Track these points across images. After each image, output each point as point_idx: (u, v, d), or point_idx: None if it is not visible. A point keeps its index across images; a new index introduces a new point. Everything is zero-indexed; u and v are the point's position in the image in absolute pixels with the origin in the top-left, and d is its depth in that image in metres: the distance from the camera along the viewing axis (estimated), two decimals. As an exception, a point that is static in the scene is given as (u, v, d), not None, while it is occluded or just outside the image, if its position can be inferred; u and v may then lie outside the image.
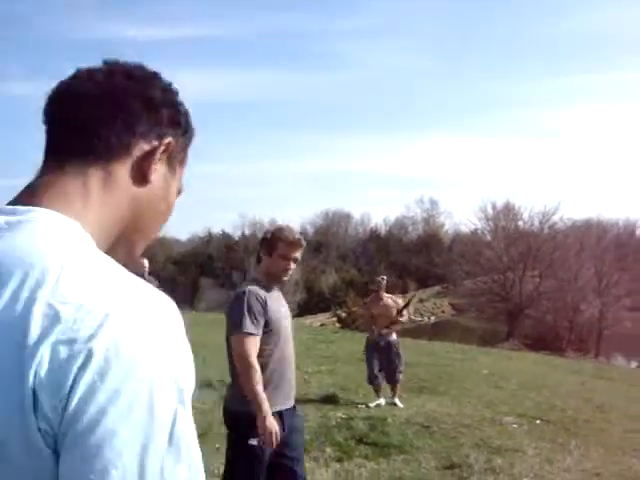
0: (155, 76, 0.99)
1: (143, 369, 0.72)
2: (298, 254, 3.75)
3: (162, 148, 0.95)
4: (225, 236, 65.63)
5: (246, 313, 3.47)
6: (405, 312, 9.37)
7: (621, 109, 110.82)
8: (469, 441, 7.01)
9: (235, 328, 3.51)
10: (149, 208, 0.96)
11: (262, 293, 3.59)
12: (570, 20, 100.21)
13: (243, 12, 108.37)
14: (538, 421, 8.44)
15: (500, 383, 11.66)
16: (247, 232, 67.51)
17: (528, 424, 8.21)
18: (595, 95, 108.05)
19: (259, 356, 3.49)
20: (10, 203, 0.86)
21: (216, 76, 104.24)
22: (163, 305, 0.80)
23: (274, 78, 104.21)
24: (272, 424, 3.39)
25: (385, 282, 9.39)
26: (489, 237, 54.27)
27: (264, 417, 3.38)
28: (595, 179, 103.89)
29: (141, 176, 0.94)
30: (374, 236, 72.83)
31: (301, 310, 53.07)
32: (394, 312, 9.06)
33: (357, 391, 9.38)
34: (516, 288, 47.52)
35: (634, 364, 28.99)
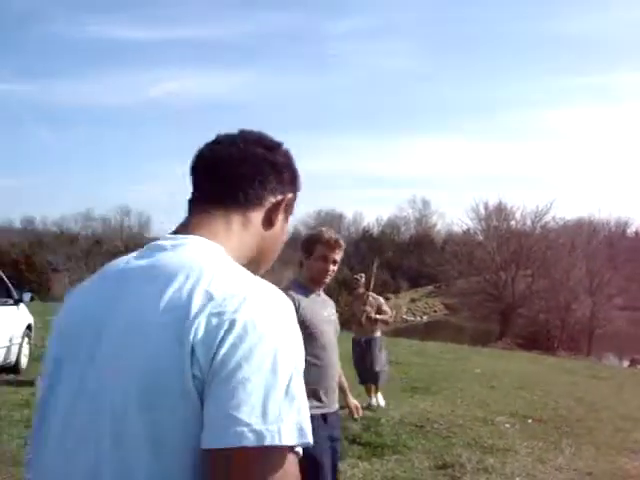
0: (279, 145, 1.35)
1: (270, 339, 1.02)
2: (338, 255, 3.64)
3: (285, 202, 1.30)
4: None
5: None
6: (388, 310, 9.07)
7: (611, 109, 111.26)
8: (462, 441, 7.02)
9: None
10: (271, 244, 1.33)
11: (297, 296, 3.46)
12: (566, 21, 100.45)
13: (239, 13, 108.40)
14: (530, 420, 8.47)
15: (492, 382, 11.69)
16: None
17: (520, 423, 8.23)
18: (585, 96, 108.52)
19: None
20: (170, 234, 1.21)
21: (212, 77, 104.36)
22: (282, 297, 1.10)
23: (269, 79, 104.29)
24: None
25: (363, 280, 9.10)
26: (481, 237, 54.33)
27: None
28: (586, 179, 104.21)
29: (268, 222, 1.29)
30: (367, 236, 72.86)
31: (294, 310, 53.16)
32: (374, 310, 8.77)
33: (350, 392, 9.35)
34: (508, 288, 47.60)
35: (625, 363, 29.05)
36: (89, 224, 67.93)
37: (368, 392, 8.79)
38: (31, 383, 8.45)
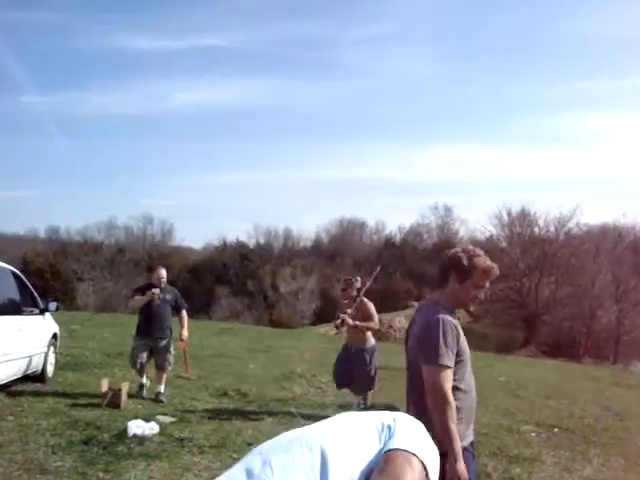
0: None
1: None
2: (489, 282, 3.45)
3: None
4: (240, 245, 65.68)
5: (442, 344, 3.18)
6: (373, 315, 8.19)
7: (636, 114, 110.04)
8: (487, 450, 6.95)
9: (430, 359, 3.20)
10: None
11: (454, 322, 3.30)
12: (588, 23, 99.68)
13: (255, 22, 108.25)
14: (556, 429, 8.38)
15: (517, 391, 11.58)
16: (261, 241, 67.70)
17: (546, 432, 8.15)
18: (610, 100, 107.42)
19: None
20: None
21: (229, 85, 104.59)
22: None
23: (287, 86, 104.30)
24: (462, 471, 3.07)
25: (358, 284, 8.37)
26: (504, 243, 54.01)
27: (455, 460, 3.06)
28: (611, 183, 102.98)
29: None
30: (389, 244, 72.63)
31: (316, 318, 53.05)
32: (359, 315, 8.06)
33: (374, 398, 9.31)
34: (532, 294, 47.29)
35: (653, 370, 28.69)
36: (112, 233, 68.39)
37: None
38: (56, 393, 8.53)
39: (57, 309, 9.34)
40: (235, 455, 5.87)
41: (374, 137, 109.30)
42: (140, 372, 8.62)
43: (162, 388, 8.54)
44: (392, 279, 62.25)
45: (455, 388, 3.23)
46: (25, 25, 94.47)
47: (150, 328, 8.50)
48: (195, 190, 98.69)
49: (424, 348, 3.26)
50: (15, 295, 8.46)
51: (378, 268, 9.21)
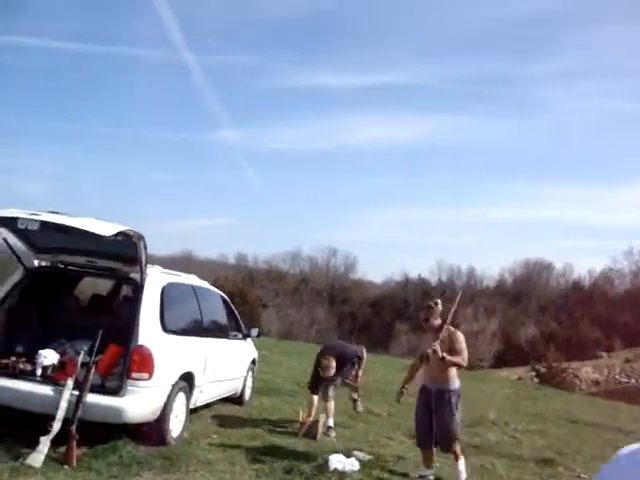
0: None
1: None
2: None
3: None
4: (422, 281, 65.34)
5: None
6: (463, 348, 6.56)
7: None
8: None
9: None
10: None
11: None
12: None
13: (435, 59, 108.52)
14: None
15: None
16: (444, 278, 66.97)
17: None
18: None
19: None
20: None
21: (411, 123, 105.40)
22: None
23: (468, 123, 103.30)
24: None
25: (439, 307, 6.83)
26: None
27: None
28: None
29: None
30: (577, 288, 69.12)
31: (496, 361, 51.41)
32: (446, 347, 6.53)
33: (575, 457, 8.75)
34: None
35: None
36: (297, 263, 70.58)
37: (427, 460, 6.81)
38: (253, 417, 8.80)
39: (259, 335, 9.67)
40: None
41: (565, 177, 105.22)
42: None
43: (331, 422, 8.39)
44: (579, 326, 59.12)
45: None
46: (225, 66, 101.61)
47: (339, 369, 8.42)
48: (380, 225, 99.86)
49: None
50: (224, 319, 8.88)
51: (460, 293, 8.15)
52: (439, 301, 6.92)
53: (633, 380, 54.33)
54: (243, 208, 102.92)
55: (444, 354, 6.37)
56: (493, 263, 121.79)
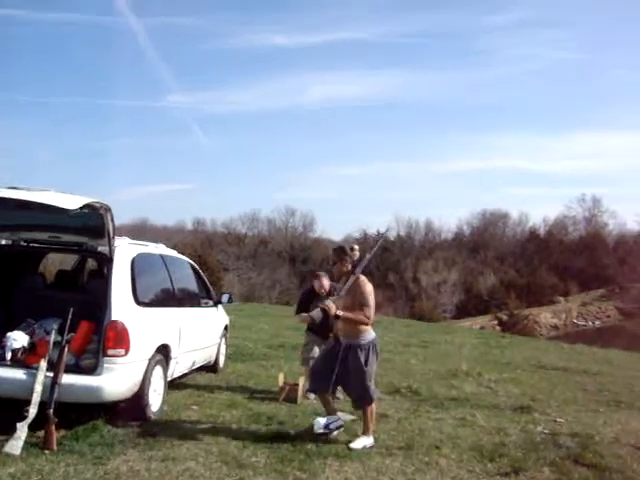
0: None
1: None
2: None
3: None
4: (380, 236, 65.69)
5: None
6: (368, 302, 5.87)
7: None
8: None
9: None
10: None
11: None
12: None
13: (385, 15, 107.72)
14: None
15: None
16: (402, 233, 67.32)
17: None
18: None
19: None
20: None
21: (364, 79, 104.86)
22: None
23: (422, 78, 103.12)
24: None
25: (356, 253, 6.13)
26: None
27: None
28: None
29: None
30: (533, 236, 70.25)
31: (459, 312, 52.22)
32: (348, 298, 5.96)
33: (549, 403, 8.83)
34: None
35: None
36: (255, 225, 70.26)
37: (326, 405, 6.37)
38: (230, 384, 8.69)
39: (229, 301, 9.48)
40: (426, 459, 5.67)
41: (517, 127, 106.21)
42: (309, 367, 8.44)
43: None
44: (537, 273, 60.22)
45: None
46: (172, 29, 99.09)
47: (323, 325, 8.30)
48: (335, 182, 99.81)
49: None
50: (195, 288, 8.68)
51: (382, 234, 7.07)
52: (356, 247, 6.24)
53: (590, 323, 55.83)
54: (198, 174, 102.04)
55: (338, 312, 5.82)
56: (450, 215, 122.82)
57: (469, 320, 46.62)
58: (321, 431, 6.12)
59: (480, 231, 70.18)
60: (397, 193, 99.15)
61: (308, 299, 7.90)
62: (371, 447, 5.96)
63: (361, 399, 6.08)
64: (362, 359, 5.95)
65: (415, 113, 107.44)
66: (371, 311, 5.90)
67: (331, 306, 5.81)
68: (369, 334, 6.04)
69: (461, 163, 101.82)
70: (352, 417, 6.96)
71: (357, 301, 5.90)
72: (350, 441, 6.00)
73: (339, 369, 6.01)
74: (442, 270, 53.56)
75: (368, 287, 5.97)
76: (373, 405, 6.16)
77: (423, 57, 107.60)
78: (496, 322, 42.57)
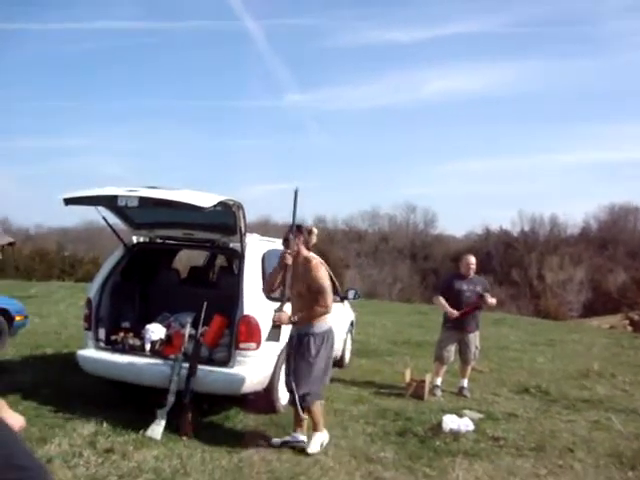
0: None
1: None
2: None
3: None
4: (504, 232, 64.05)
5: None
6: (322, 286, 5.27)
7: None
8: None
9: None
10: None
11: None
12: None
13: (498, 6, 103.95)
14: None
15: None
16: (526, 228, 65.28)
17: None
18: None
19: None
20: None
21: (482, 72, 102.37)
22: None
23: (541, 68, 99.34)
24: None
25: (315, 237, 5.63)
26: None
27: None
28: None
29: None
30: (667, 231, 66.38)
31: (586, 310, 50.09)
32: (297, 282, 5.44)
33: None
34: None
35: None
36: (376, 222, 70.21)
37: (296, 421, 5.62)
38: (356, 379, 8.75)
39: (355, 297, 9.50)
40: (560, 462, 5.50)
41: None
42: (442, 364, 8.34)
43: (465, 382, 8.33)
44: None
45: None
46: (286, 29, 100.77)
47: (461, 320, 8.19)
48: (457, 178, 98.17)
49: None
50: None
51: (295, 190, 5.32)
52: (315, 230, 5.69)
53: None
54: (318, 171, 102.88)
55: (293, 318, 5.34)
56: (576, 210, 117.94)
57: (597, 319, 44.55)
58: (449, 429, 6.08)
59: (608, 226, 66.94)
60: (520, 187, 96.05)
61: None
62: (327, 443, 5.52)
63: (307, 396, 5.38)
64: (313, 350, 5.35)
65: (539, 104, 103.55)
66: (328, 298, 5.30)
67: (282, 318, 5.31)
68: (325, 323, 5.43)
69: (583, 155, 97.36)
70: (480, 415, 6.87)
71: (312, 288, 5.31)
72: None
73: (293, 362, 5.47)
74: (568, 267, 51.54)
75: (321, 271, 5.36)
76: (318, 402, 5.55)
77: (543, 46, 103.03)
78: (627, 322, 40.43)
